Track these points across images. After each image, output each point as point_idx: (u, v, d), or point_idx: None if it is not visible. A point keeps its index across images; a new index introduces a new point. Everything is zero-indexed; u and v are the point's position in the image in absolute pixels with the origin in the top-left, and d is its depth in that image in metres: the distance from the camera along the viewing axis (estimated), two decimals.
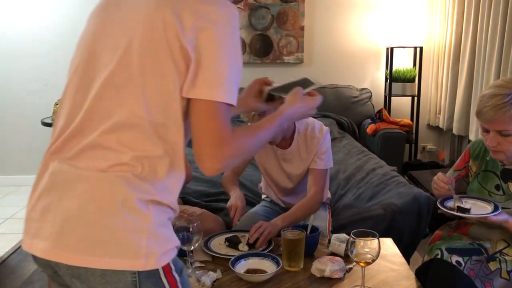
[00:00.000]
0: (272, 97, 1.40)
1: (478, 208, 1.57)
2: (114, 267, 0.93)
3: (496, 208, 1.53)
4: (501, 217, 1.50)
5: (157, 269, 0.96)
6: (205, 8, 0.97)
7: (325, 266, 1.51)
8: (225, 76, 0.98)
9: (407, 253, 2.15)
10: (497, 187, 1.64)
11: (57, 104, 3.81)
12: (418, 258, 2.53)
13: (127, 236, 0.94)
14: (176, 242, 1.02)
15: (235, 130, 1.01)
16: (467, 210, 1.55)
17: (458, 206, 1.57)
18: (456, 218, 1.80)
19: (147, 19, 0.98)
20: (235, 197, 1.93)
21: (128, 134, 0.97)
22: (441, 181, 1.62)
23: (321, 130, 2.04)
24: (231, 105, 0.99)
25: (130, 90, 0.97)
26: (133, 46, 0.98)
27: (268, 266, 1.56)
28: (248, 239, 1.72)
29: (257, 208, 2.26)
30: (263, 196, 2.39)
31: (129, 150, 0.96)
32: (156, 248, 0.96)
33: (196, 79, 0.96)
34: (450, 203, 1.61)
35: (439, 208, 1.61)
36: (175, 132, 1.00)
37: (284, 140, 2.05)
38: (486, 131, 1.55)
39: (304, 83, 1.37)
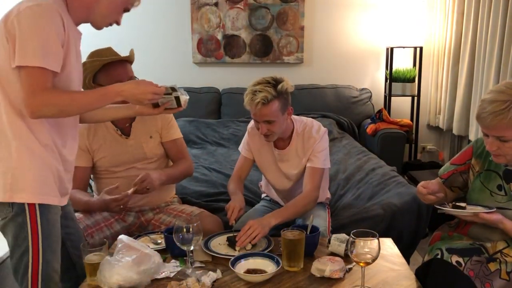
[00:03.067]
0: (157, 104, 1.59)
1: (473, 209, 1.58)
2: None
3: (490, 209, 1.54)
4: (494, 216, 1.50)
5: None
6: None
7: (325, 266, 1.51)
8: (32, 46, 1.30)
9: (406, 253, 2.15)
10: (499, 187, 1.64)
11: None
12: (418, 258, 2.53)
13: None
14: None
15: (52, 88, 1.35)
16: (461, 208, 1.57)
17: (453, 204, 1.60)
18: (453, 216, 1.81)
19: None
20: (234, 199, 1.95)
21: None
22: (424, 194, 1.67)
23: (319, 130, 2.05)
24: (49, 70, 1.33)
25: None
26: None
27: (268, 266, 1.56)
28: (237, 240, 1.72)
29: (257, 207, 2.26)
30: (263, 195, 2.39)
31: None
32: None
33: (14, 52, 1.32)
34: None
35: (439, 208, 1.61)
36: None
37: (282, 140, 2.06)
38: (486, 135, 1.56)
39: (173, 88, 1.55)
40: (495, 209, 1.53)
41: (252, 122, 2.13)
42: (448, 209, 1.58)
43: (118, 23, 1.54)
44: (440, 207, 1.60)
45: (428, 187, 1.67)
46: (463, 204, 1.58)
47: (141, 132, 2.08)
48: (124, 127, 2.07)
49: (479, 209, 1.58)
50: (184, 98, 1.58)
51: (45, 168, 1.43)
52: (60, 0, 1.42)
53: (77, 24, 1.50)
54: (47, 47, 1.32)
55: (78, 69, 1.52)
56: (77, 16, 1.47)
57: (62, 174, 1.49)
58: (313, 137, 2.03)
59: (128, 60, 2.00)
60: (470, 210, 1.57)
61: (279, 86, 1.89)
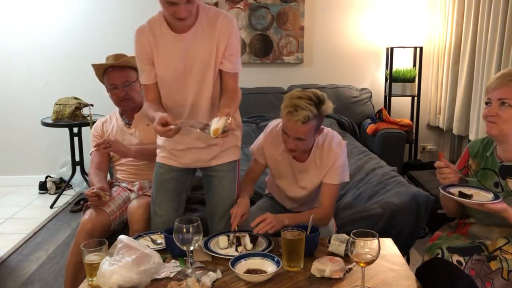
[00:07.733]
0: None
1: (480, 197, 1.56)
2: None
3: (496, 198, 1.52)
4: (499, 205, 1.49)
5: None
6: None
7: (325, 266, 1.51)
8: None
9: (403, 251, 2.15)
10: (496, 184, 1.65)
11: (57, 104, 3.80)
12: (418, 258, 2.53)
13: None
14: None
15: (146, 100, 1.91)
16: (468, 196, 1.54)
17: (460, 192, 1.56)
18: (453, 218, 1.80)
19: None
20: (238, 204, 1.92)
21: None
22: (442, 166, 1.64)
23: (340, 144, 2.00)
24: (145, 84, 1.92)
25: None
26: None
27: (268, 266, 1.56)
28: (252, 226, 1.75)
29: (261, 204, 2.23)
30: (266, 191, 2.36)
31: None
32: None
33: None
34: (452, 189, 1.60)
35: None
36: None
37: (302, 153, 2.00)
38: (489, 103, 1.62)
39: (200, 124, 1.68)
40: (500, 199, 1.51)
41: (267, 130, 2.08)
42: (454, 197, 1.55)
43: (175, 16, 1.71)
44: (446, 193, 1.57)
45: (444, 162, 1.65)
46: (469, 193, 1.56)
47: (140, 122, 2.41)
48: (129, 119, 2.46)
49: (484, 195, 1.56)
50: (213, 127, 1.59)
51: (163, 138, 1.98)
52: (156, 18, 1.82)
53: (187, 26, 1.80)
54: (139, 68, 1.88)
55: (170, 67, 1.83)
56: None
57: (167, 142, 1.99)
58: (334, 151, 1.98)
59: (126, 65, 2.37)
60: (476, 200, 1.53)
61: (323, 107, 1.83)
